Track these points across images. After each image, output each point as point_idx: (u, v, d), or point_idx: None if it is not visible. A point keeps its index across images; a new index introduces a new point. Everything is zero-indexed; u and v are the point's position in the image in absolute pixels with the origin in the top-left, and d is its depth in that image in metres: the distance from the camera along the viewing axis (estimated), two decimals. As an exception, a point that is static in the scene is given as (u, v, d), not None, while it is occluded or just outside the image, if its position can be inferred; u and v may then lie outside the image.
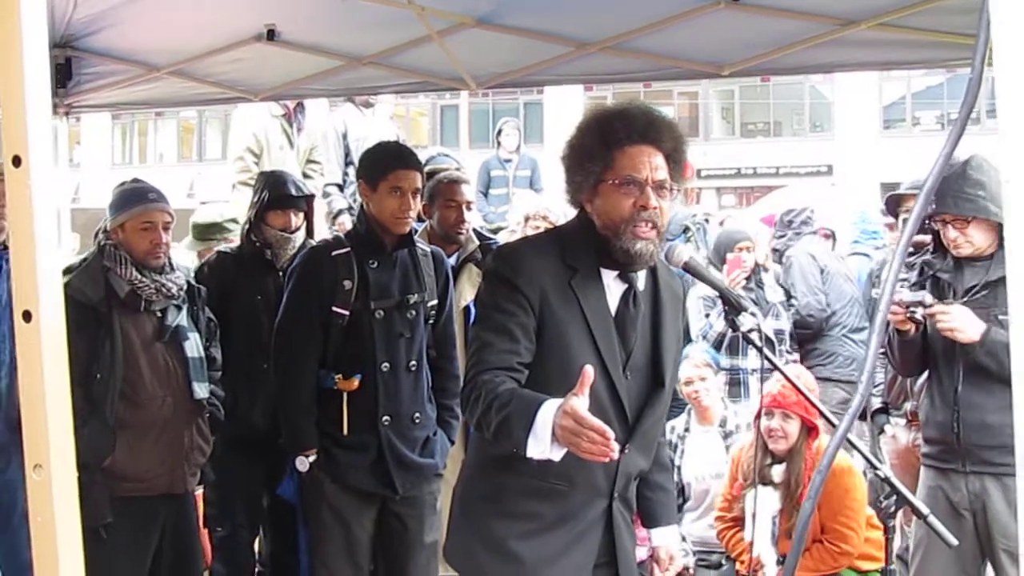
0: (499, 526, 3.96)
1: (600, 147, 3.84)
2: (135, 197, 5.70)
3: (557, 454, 3.39)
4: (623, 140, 3.82)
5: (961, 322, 5.29)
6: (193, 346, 5.75)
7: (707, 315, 8.28)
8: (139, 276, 5.54)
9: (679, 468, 7.51)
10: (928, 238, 5.83)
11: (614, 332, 3.86)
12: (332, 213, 9.60)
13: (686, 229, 9.93)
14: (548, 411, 3.39)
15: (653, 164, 3.81)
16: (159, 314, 5.66)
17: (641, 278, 3.96)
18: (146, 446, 5.55)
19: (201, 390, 5.74)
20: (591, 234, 3.87)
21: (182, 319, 5.74)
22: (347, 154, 9.79)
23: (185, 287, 5.78)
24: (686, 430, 7.53)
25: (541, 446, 3.39)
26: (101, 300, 5.44)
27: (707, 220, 10.63)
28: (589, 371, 3.35)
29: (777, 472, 6.55)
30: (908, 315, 5.37)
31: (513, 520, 3.93)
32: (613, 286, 3.90)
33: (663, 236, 3.87)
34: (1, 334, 6.31)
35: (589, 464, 3.66)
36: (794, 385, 4.12)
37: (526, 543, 3.90)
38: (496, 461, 3.97)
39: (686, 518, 7.43)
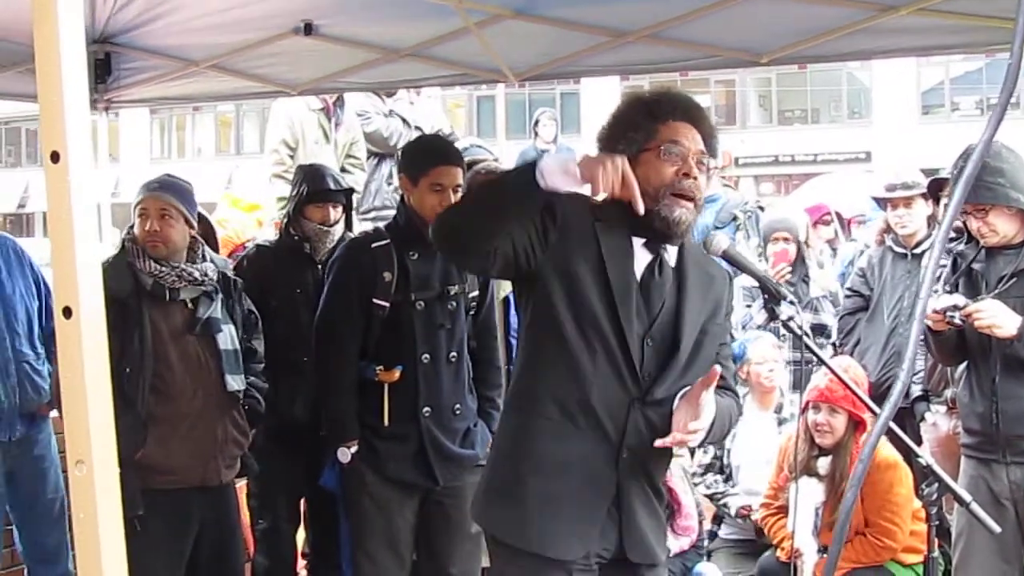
0: (508, 473, 4.02)
1: (645, 119, 3.92)
2: (140, 190, 5.74)
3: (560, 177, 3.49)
4: (668, 115, 3.91)
5: (998, 318, 5.25)
6: (227, 338, 5.75)
7: (748, 305, 8.24)
8: (158, 266, 5.55)
9: (728, 451, 7.51)
10: (960, 226, 5.78)
11: (636, 293, 3.87)
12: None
13: (735, 218, 9.85)
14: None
15: (695, 138, 3.90)
16: (190, 306, 5.68)
17: (672, 255, 3.97)
18: (177, 438, 5.55)
19: (235, 382, 5.74)
20: (625, 204, 3.88)
21: (215, 311, 5.73)
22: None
23: (217, 277, 5.78)
24: (739, 413, 7.51)
25: (554, 163, 3.51)
26: (130, 294, 5.46)
27: (761, 208, 10.51)
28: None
29: (823, 464, 6.55)
30: (947, 320, 5.33)
31: (519, 466, 3.96)
32: (640, 253, 3.91)
33: (699, 210, 3.91)
34: None
35: (593, 404, 3.84)
36: (838, 377, 4.11)
37: (530, 487, 3.92)
38: (511, 410, 4.11)
39: (732, 501, 7.43)
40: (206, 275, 5.70)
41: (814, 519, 6.60)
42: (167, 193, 5.69)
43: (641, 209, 3.55)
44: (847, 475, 6.45)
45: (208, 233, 6.74)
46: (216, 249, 6.78)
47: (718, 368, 3.77)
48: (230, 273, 6.00)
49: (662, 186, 3.80)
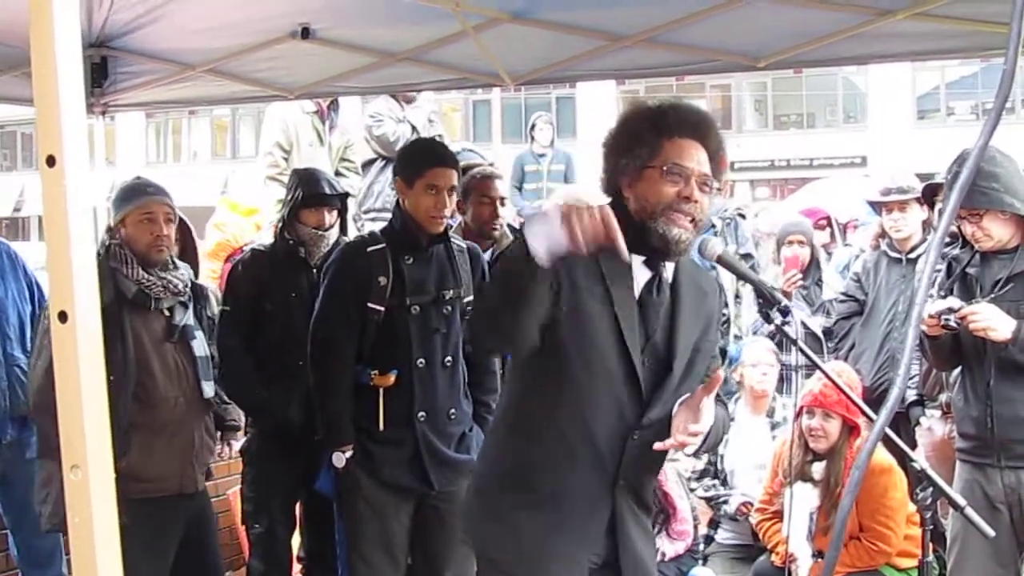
0: (501, 497, 4.00)
1: (651, 134, 3.85)
2: (134, 191, 5.71)
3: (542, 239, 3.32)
4: (674, 131, 3.84)
5: (993, 321, 5.25)
6: (200, 345, 5.78)
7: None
8: (145, 275, 5.54)
9: (722, 456, 7.51)
10: (954, 231, 5.79)
11: (637, 315, 3.86)
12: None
13: (712, 225, 9.77)
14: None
15: (699, 159, 3.83)
16: (167, 313, 5.68)
17: (668, 269, 3.96)
18: (159, 447, 5.57)
19: (209, 389, 5.78)
20: (624, 218, 3.87)
21: (189, 318, 5.76)
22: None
23: (190, 284, 5.80)
24: (731, 419, 7.51)
25: (545, 227, 3.32)
26: (111, 301, 5.40)
27: (742, 215, 10.44)
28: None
29: (817, 469, 6.56)
30: (942, 324, 5.33)
31: (514, 492, 3.95)
32: (639, 271, 3.89)
33: (700, 231, 3.88)
34: None
35: (594, 435, 3.82)
36: (833, 382, 4.11)
37: (524, 513, 3.91)
38: (506, 432, 4.07)
39: (732, 499, 7.44)
40: (187, 285, 5.72)
41: (808, 524, 6.60)
42: (165, 197, 5.70)
43: (626, 257, 3.45)
44: (841, 480, 6.46)
45: (186, 235, 6.75)
46: (195, 250, 6.78)
47: (722, 374, 3.77)
48: (196, 279, 6.02)
49: (660, 205, 3.77)
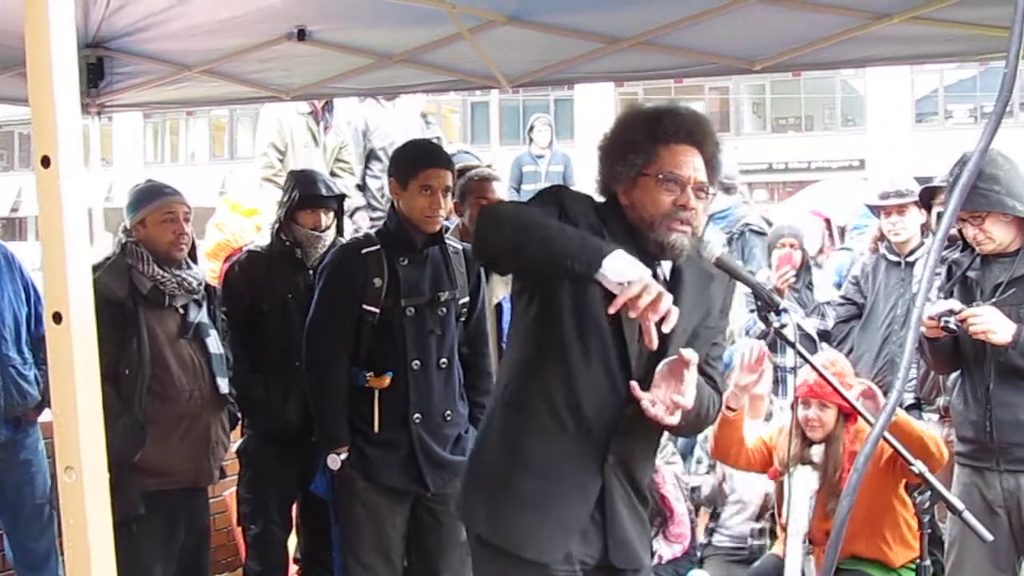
0: (492, 465, 4.02)
1: (646, 140, 3.86)
2: (153, 192, 5.79)
3: (615, 280, 3.39)
4: (670, 137, 3.85)
5: (993, 324, 5.24)
6: (214, 342, 5.86)
7: (752, 311, 8.20)
8: (160, 272, 5.61)
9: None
10: (954, 234, 5.78)
11: None
12: (348, 211, 9.61)
13: (729, 241, 9.63)
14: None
15: (695, 165, 3.84)
16: (181, 311, 5.74)
17: (667, 265, 3.96)
18: (174, 440, 5.64)
19: (224, 385, 5.84)
20: (621, 222, 3.89)
21: (203, 316, 5.82)
22: (368, 151, 9.82)
23: (203, 283, 5.85)
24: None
25: (621, 265, 3.41)
26: (127, 297, 5.51)
27: (754, 231, 9.96)
28: None
29: (816, 453, 6.51)
30: (942, 326, 5.32)
31: (504, 459, 3.96)
32: None
33: (698, 234, 3.88)
34: None
35: (581, 404, 3.83)
36: (829, 383, 4.11)
37: (515, 481, 3.92)
38: (502, 405, 4.06)
39: (726, 512, 7.42)
40: (201, 284, 5.75)
41: (810, 504, 6.56)
42: (182, 197, 5.79)
43: (654, 345, 3.49)
44: (840, 464, 6.41)
45: None
46: (194, 251, 6.82)
47: (693, 354, 3.72)
48: (208, 279, 6.05)
49: (658, 215, 3.79)
